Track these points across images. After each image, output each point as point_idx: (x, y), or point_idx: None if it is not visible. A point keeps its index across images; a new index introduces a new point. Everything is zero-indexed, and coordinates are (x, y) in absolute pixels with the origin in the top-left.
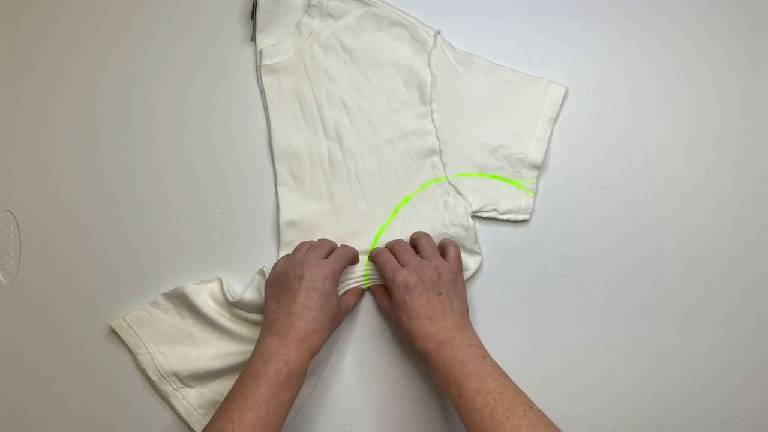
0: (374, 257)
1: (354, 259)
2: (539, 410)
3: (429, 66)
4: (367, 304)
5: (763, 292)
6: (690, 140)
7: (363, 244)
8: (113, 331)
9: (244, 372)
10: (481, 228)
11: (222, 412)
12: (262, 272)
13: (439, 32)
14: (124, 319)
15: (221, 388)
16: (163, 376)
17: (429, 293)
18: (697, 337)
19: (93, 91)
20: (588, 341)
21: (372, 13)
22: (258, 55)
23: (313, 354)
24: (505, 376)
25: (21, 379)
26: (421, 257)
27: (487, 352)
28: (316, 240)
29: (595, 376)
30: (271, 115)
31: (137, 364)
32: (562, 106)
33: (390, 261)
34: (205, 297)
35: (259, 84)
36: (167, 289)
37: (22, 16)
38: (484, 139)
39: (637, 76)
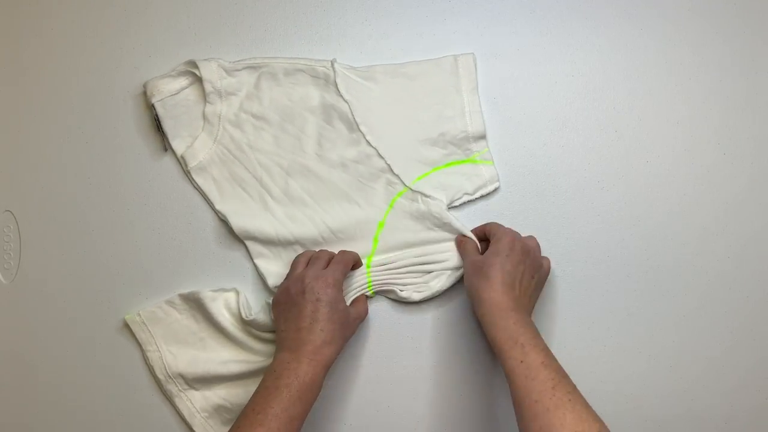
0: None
1: (356, 263)
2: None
3: (341, 95)
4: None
5: (763, 292)
6: (690, 140)
7: (358, 281)
8: (113, 331)
9: (258, 388)
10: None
11: (234, 428)
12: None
13: (334, 60)
14: (139, 315)
15: (226, 393)
16: (169, 376)
17: (528, 270)
18: (697, 337)
19: (93, 91)
20: (588, 341)
21: (265, 74)
22: (182, 161)
23: (327, 366)
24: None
25: (21, 379)
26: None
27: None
28: (312, 250)
29: (595, 376)
30: (218, 208)
31: (145, 361)
32: (476, 71)
33: (503, 229)
34: (219, 305)
35: (194, 186)
36: (166, 288)
37: (22, 16)
38: (422, 136)
39: (637, 76)
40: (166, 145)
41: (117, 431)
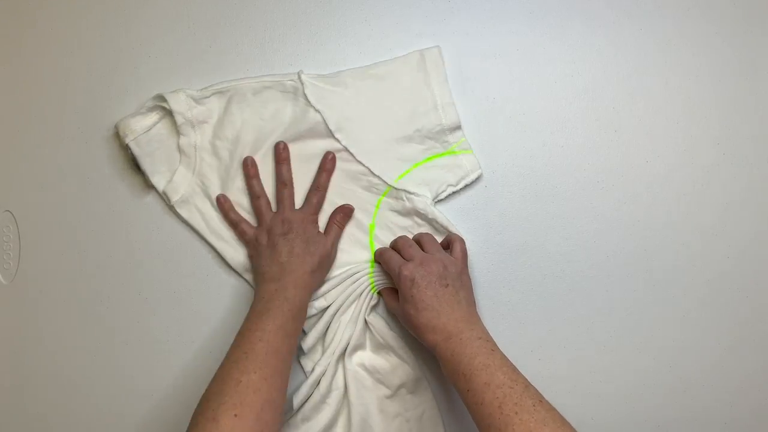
0: (379, 256)
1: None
2: (549, 404)
3: (311, 106)
4: None
5: (763, 292)
6: (690, 140)
7: (362, 285)
8: (113, 331)
9: (247, 316)
10: (481, 228)
11: (234, 347)
12: None
13: (301, 72)
14: None
15: None
16: None
17: (435, 285)
18: (697, 337)
19: (93, 91)
20: (588, 341)
21: (234, 96)
22: (164, 197)
23: (311, 292)
24: (515, 369)
25: (20, 379)
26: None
27: (495, 344)
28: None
29: (595, 376)
30: (209, 239)
31: None
32: (444, 63)
33: (394, 257)
34: None
35: (181, 219)
36: (167, 288)
37: (21, 16)
38: (398, 134)
39: (637, 76)
40: (148, 183)
41: None
